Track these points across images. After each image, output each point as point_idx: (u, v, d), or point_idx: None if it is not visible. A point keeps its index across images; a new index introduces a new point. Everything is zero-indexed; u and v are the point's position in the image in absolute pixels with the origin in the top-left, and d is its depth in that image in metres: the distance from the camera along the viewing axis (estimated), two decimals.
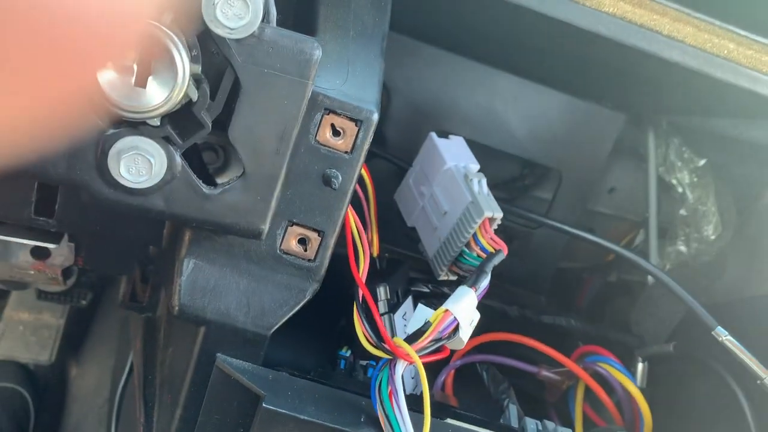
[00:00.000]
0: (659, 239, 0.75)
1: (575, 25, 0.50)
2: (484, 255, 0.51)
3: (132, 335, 0.73)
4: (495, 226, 0.53)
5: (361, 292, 0.47)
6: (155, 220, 0.50)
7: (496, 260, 0.49)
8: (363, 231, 0.47)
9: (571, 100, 0.69)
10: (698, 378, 0.64)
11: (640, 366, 0.67)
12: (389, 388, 0.44)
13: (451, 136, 0.59)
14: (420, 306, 0.49)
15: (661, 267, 0.75)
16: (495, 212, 0.53)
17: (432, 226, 0.57)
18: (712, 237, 0.73)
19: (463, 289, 0.47)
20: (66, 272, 0.63)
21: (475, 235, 0.52)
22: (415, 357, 0.43)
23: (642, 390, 0.65)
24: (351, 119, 0.43)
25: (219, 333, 0.46)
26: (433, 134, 0.58)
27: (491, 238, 0.52)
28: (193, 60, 0.37)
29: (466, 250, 0.53)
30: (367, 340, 0.45)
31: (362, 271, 0.47)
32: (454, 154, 0.57)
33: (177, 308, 0.45)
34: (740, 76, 0.52)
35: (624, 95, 0.68)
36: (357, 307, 0.46)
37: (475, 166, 0.57)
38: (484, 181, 0.55)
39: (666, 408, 0.65)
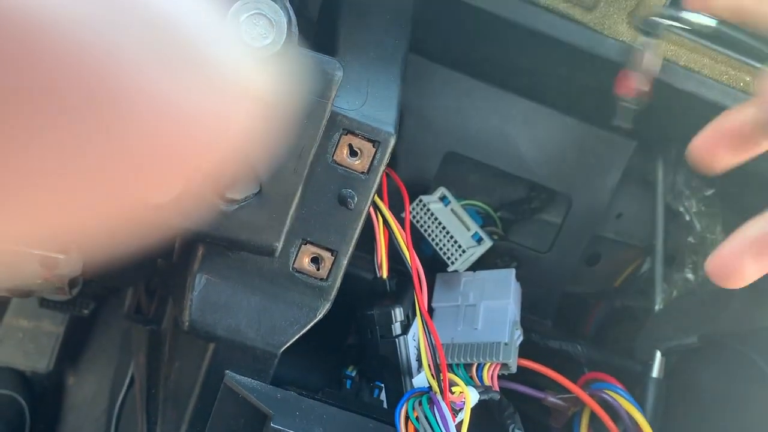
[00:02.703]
0: (667, 266, 0.75)
1: (593, 53, 0.50)
2: (477, 381, 0.57)
3: (134, 347, 0.72)
4: (500, 372, 0.58)
5: (427, 323, 0.51)
6: (169, 233, 0.50)
7: (495, 396, 0.56)
8: (419, 263, 0.50)
9: (583, 126, 0.69)
10: (724, 369, 0.64)
11: (657, 357, 0.67)
12: (433, 412, 0.47)
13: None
14: None
15: (668, 294, 0.75)
16: (513, 365, 0.58)
17: (455, 324, 0.62)
18: None
19: (474, 390, 0.53)
20: (72, 282, 0.63)
21: (482, 366, 0.58)
22: (468, 405, 0.49)
23: (659, 381, 0.66)
24: (369, 140, 0.44)
25: (229, 350, 0.46)
26: (513, 271, 0.65)
27: (492, 377, 0.57)
28: None
29: (464, 367, 0.58)
30: (431, 373, 0.49)
31: (424, 303, 0.51)
32: (516, 298, 0.64)
33: (187, 324, 0.45)
34: None
35: (636, 123, 0.68)
36: (426, 338, 0.50)
37: (518, 317, 0.63)
38: (521, 335, 0.61)
39: (685, 400, 0.65)
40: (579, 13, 0.50)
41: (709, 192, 0.71)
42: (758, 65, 0.52)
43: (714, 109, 0.53)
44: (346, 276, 0.47)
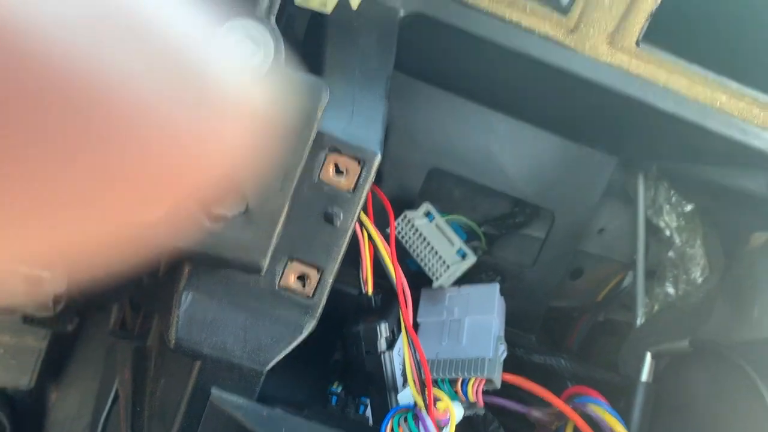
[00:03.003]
0: (648, 280, 0.76)
1: (574, 73, 0.51)
2: (462, 396, 0.57)
3: (119, 364, 0.72)
4: (485, 388, 0.59)
5: (412, 339, 0.52)
6: (154, 251, 0.50)
7: (480, 412, 0.57)
8: (404, 279, 0.51)
9: (565, 143, 0.70)
10: (714, 376, 0.65)
11: (648, 360, 0.68)
12: (418, 429, 0.48)
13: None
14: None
15: (649, 308, 0.76)
16: (497, 380, 0.59)
17: (440, 340, 0.63)
18: (700, 279, 0.74)
19: (458, 406, 0.54)
20: (56, 298, 0.62)
21: (466, 381, 0.58)
22: (453, 421, 0.49)
23: (648, 384, 0.67)
24: (354, 159, 0.44)
25: (215, 367, 0.46)
26: (498, 286, 0.65)
27: (477, 393, 0.58)
28: None
29: (449, 382, 0.58)
30: (416, 389, 0.50)
31: (409, 319, 0.52)
32: (501, 313, 0.65)
33: (174, 341, 0.45)
34: (732, 127, 0.54)
35: (617, 140, 0.69)
36: (411, 354, 0.51)
37: (502, 332, 0.64)
38: (505, 350, 0.62)
39: (673, 405, 0.66)
40: (561, 34, 0.51)
41: (689, 207, 0.72)
42: (733, 85, 0.54)
43: (692, 128, 0.54)
44: (332, 292, 0.48)
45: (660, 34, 0.52)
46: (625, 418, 0.63)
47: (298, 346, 0.48)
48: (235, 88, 0.20)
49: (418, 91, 0.69)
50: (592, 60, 0.51)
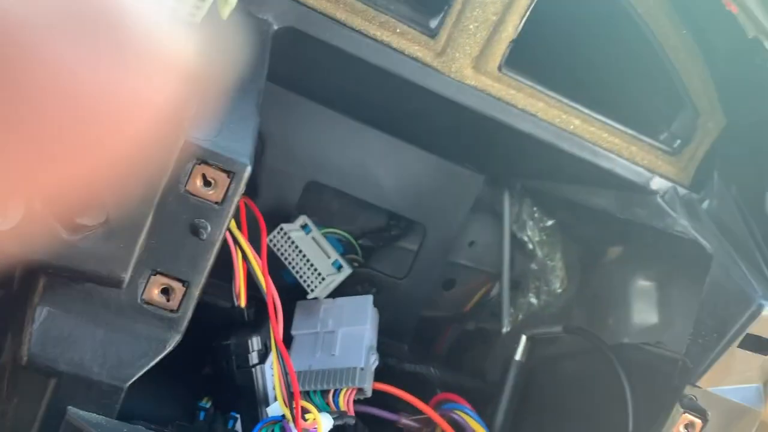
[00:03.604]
0: (514, 291, 0.80)
1: (441, 94, 0.53)
2: (333, 407, 0.58)
3: None
4: (356, 397, 0.60)
5: (281, 353, 0.52)
6: (8, 263, 0.48)
7: (350, 421, 0.58)
8: (275, 292, 0.51)
9: (437, 160, 0.73)
10: (579, 357, 0.70)
11: (522, 341, 0.72)
12: None
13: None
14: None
15: (514, 317, 0.80)
16: (368, 389, 0.60)
17: (313, 351, 0.63)
18: (559, 290, 0.79)
19: (327, 417, 0.55)
20: None
21: (338, 391, 0.59)
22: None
23: (521, 363, 0.71)
24: (223, 170, 0.44)
25: (71, 385, 0.44)
26: (371, 298, 0.67)
27: (348, 402, 0.59)
28: None
29: (321, 393, 0.59)
30: (284, 401, 0.50)
31: (279, 332, 0.51)
32: (373, 324, 0.66)
33: (26, 358, 0.43)
34: (583, 150, 0.59)
35: (483, 159, 0.73)
36: (279, 367, 0.51)
37: (375, 342, 0.65)
38: (377, 360, 0.63)
39: (545, 381, 0.71)
40: (429, 56, 0.53)
41: (550, 223, 0.77)
42: (585, 110, 0.58)
43: (547, 149, 0.58)
44: (203, 305, 0.47)
45: (520, 60, 0.56)
46: (491, 418, 0.67)
47: (166, 361, 0.47)
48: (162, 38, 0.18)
49: (297, 105, 0.69)
50: (457, 82, 0.54)
